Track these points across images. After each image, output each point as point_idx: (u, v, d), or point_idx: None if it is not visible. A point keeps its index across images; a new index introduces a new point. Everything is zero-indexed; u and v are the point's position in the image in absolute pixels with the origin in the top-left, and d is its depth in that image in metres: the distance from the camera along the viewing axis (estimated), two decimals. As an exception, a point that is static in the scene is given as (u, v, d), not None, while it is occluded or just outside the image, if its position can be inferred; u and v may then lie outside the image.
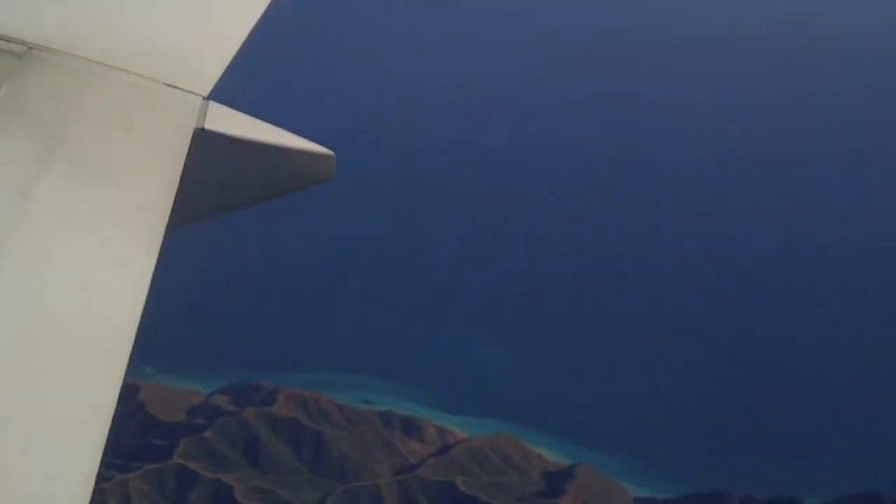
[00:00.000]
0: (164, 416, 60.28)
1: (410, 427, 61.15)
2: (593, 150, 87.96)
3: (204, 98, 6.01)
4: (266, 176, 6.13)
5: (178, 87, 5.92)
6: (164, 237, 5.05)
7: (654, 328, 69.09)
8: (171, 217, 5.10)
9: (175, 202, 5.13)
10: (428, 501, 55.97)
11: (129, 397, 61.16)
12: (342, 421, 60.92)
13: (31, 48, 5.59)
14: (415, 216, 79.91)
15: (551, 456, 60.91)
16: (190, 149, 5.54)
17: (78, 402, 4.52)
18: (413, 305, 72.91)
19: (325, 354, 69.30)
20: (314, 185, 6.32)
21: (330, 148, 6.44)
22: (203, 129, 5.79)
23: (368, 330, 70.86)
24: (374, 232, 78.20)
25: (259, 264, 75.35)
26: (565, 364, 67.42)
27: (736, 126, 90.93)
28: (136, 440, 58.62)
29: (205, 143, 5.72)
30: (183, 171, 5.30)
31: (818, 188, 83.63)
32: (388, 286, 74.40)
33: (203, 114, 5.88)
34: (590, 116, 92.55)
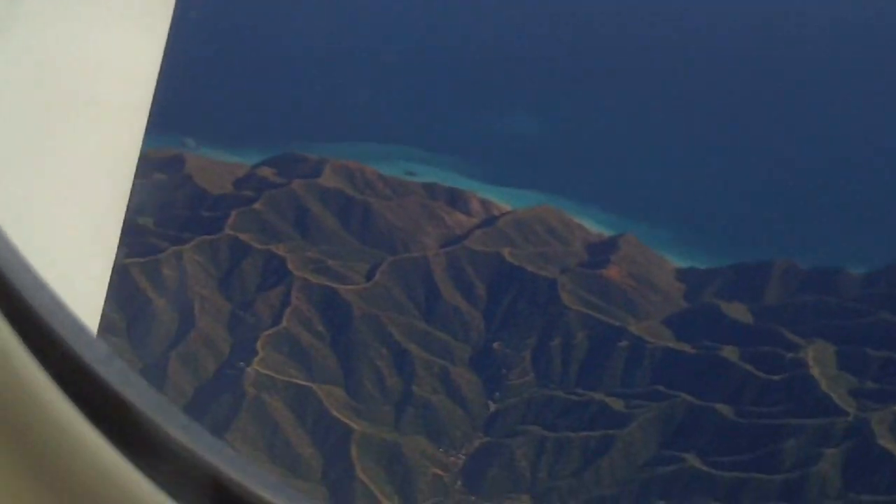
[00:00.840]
0: (212, 189, 60.83)
1: (455, 199, 61.65)
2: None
3: None
4: None
5: None
6: None
7: (698, 97, 68.92)
8: None
9: None
10: (475, 272, 56.98)
11: (174, 168, 61.73)
12: (387, 192, 61.45)
13: None
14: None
15: (593, 227, 61.64)
16: None
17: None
18: (455, 76, 72.60)
19: (368, 126, 69.42)
20: None
21: None
22: None
23: (410, 101, 70.80)
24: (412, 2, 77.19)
25: (299, 35, 74.69)
26: (607, 136, 67.58)
27: None
28: (186, 212, 59.37)
29: None
30: None
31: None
32: (428, 56, 73.93)
33: None
34: None
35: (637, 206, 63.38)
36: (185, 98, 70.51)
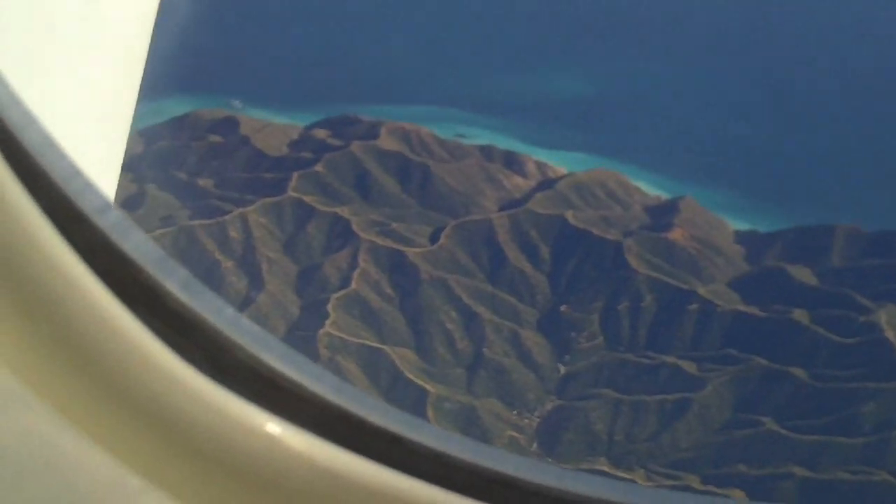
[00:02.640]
0: (270, 150, 60.56)
1: (511, 161, 61.57)
2: None
3: None
4: None
5: None
6: None
7: (757, 59, 68.85)
8: None
9: None
10: (539, 235, 56.99)
11: (229, 130, 61.41)
12: (444, 155, 61.31)
13: None
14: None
15: (650, 189, 61.64)
16: None
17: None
18: (502, 35, 72.31)
19: (415, 87, 69.12)
20: None
21: None
22: None
23: (459, 62, 70.50)
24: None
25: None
26: (660, 95, 67.50)
27: None
28: (247, 174, 59.10)
29: None
30: None
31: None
32: (474, 15, 73.58)
33: None
34: None
35: (690, 169, 63.38)
36: (227, 57, 70.18)
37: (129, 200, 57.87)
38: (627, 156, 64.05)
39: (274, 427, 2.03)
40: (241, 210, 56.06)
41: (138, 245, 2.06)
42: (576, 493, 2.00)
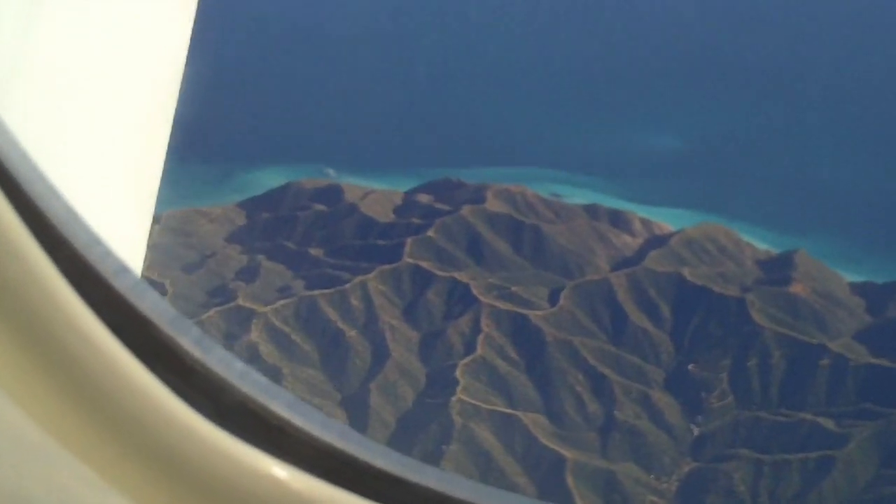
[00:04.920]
0: (378, 217, 60.29)
1: (617, 219, 61.24)
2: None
3: None
4: None
5: None
6: None
7: (858, 102, 68.55)
8: None
9: None
10: (658, 293, 56.54)
11: (334, 198, 61.22)
12: (550, 215, 61.03)
13: None
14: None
15: (760, 243, 61.22)
16: None
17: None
18: (592, 92, 72.21)
19: (506, 148, 69.00)
20: None
21: None
22: None
23: (550, 121, 70.37)
24: (547, 17, 76.71)
25: (419, 50, 74.18)
26: (757, 146, 67.21)
27: None
28: (359, 241, 58.79)
29: None
30: None
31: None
32: (556, 71, 73.54)
33: None
34: None
35: (796, 221, 63.04)
36: (314, 126, 70.13)
37: (243, 272, 57.61)
38: (730, 209, 63.75)
39: (280, 471, 2.14)
40: (360, 278, 55.65)
41: (153, 305, 2.18)
42: None
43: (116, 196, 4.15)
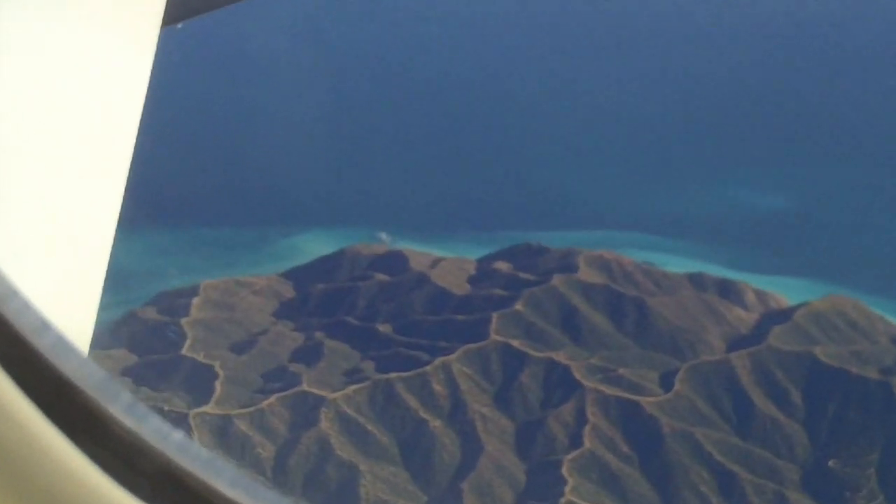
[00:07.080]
0: (453, 288, 52.68)
1: (727, 290, 53.64)
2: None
3: None
4: None
5: None
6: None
7: None
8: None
9: None
10: (787, 376, 48.85)
11: (398, 266, 53.76)
12: (650, 286, 53.44)
13: None
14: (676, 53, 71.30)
15: (892, 318, 53.61)
16: None
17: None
18: (679, 147, 64.92)
19: (588, 209, 61.59)
20: None
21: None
22: None
23: (636, 178, 63.01)
24: (634, 66, 69.65)
25: (491, 107, 67.07)
26: (877, 207, 59.81)
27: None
28: (434, 316, 51.14)
29: None
30: None
31: None
32: (643, 130, 66.31)
33: None
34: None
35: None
36: (359, 186, 62.59)
37: (301, 352, 50.00)
38: (851, 278, 56.16)
39: None
40: (441, 359, 47.90)
41: (78, 366, 1.96)
42: None
43: (62, 256, 3.73)
